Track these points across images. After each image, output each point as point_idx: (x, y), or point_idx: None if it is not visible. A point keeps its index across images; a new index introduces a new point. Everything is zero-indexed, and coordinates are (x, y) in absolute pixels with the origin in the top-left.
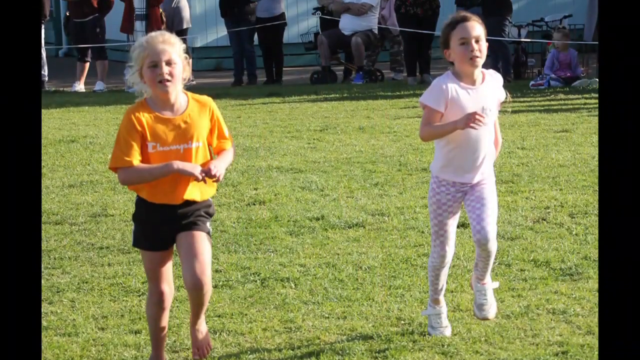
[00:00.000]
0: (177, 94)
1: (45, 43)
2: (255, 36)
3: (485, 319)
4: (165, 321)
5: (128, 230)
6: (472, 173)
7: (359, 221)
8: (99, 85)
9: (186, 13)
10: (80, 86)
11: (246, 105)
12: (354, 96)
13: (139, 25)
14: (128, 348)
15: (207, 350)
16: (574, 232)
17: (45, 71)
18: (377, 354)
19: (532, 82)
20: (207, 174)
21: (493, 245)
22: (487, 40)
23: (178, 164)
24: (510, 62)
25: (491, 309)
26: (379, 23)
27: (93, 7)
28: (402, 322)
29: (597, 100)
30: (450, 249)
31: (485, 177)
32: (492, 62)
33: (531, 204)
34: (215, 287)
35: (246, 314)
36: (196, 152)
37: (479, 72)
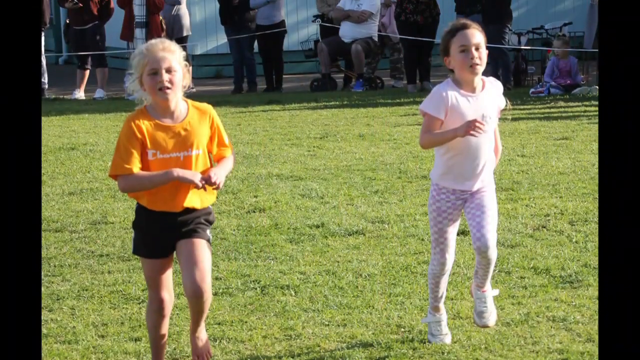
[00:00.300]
0: (177, 101)
1: (45, 50)
2: (255, 44)
3: (485, 326)
4: (165, 329)
5: (128, 238)
6: (472, 180)
7: (359, 229)
8: (99, 93)
9: (186, 21)
10: (80, 94)
11: (246, 113)
12: (354, 104)
13: (139, 32)
14: (128, 356)
15: (207, 357)
16: (574, 240)
17: (45, 79)
18: None
19: (532, 90)
20: (207, 181)
21: (493, 253)
22: (487, 48)
23: (178, 172)
24: (510, 69)
25: (491, 316)
26: (379, 30)
27: (93, 15)
28: (402, 329)
29: (597, 108)
30: (450, 257)
31: (485, 184)
32: (492, 70)
33: (531, 211)
34: (215, 294)
35: (246, 322)
36: (196, 160)
37: (479, 79)
